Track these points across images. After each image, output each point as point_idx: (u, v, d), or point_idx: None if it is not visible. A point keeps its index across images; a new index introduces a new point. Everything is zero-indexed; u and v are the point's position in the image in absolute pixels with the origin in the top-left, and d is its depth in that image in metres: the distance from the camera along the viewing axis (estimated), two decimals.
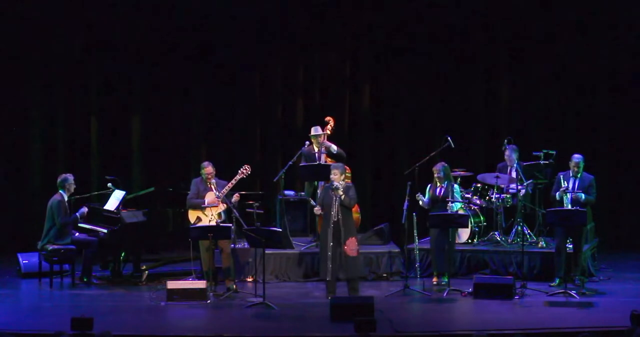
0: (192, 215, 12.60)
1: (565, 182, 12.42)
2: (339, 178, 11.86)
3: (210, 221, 12.43)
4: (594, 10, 15.81)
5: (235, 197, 12.54)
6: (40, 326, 10.42)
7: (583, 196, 12.32)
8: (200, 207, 12.52)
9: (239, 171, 12.57)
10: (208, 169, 12.55)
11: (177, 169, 15.94)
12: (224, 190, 12.48)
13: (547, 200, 13.19)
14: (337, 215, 11.79)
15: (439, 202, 12.69)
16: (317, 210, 11.97)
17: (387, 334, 10.17)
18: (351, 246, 11.82)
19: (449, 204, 12.60)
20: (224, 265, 12.43)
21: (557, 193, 12.38)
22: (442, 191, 12.73)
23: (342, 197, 11.76)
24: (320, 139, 13.65)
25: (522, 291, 12.10)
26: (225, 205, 12.48)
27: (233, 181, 12.49)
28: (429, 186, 12.88)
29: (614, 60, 15.90)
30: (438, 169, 12.77)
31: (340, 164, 12.11)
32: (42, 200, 13.39)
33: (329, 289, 11.96)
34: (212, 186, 12.50)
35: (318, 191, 13.59)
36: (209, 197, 12.51)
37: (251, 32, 15.91)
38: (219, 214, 12.52)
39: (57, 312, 11.42)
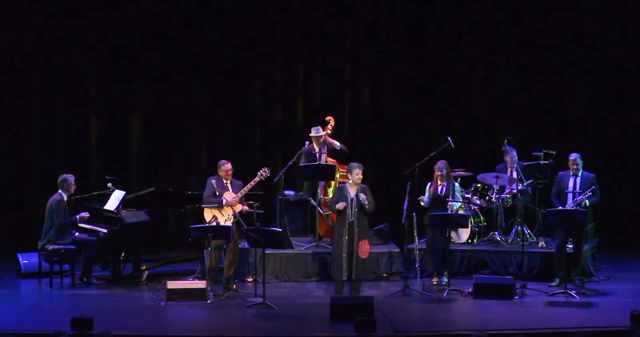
0: (208, 213, 12.49)
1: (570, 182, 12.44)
2: (361, 178, 11.86)
3: (226, 220, 12.33)
4: (593, 11, 15.83)
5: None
6: (40, 326, 10.42)
7: (587, 201, 12.32)
8: (219, 206, 12.42)
9: (258, 173, 12.47)
10: (227, 166, 12.43)
11: (177, 169, 15.95)
12: (243, 191, 12.39)
13: (547, 200, 13.18)
14: (353, 216, 11.81)
15: (441, 201, 12.69)
16: (341, 205, 11.85)
17: (387, 334, 10.17)
18: (364, 248, 11.85)
19: (450, 203, 12.61)
20: (225, 274, 12.38)
21: (572, 204, 12.36)
22: (444, 190, 12.72)
23: (367, 207, 11.78)
24: (321, 140, 13.67)
25: (522, 291, 12.09)
26: (242, 205, 12.41)
27: (252, 183, 12.38)
28: (429, 184, 12.87)
29: (614, 60, 15.92)
30: (440, 167, 12.76)
31: (358, 164, 12.06)
32: (42, 200, 13.37)
33: (337, 289, 11.97)
34: (229, 185, 12.45)
35: (318, 191, 13.63)
36: (228, 196, 12.44)
37: (251, 32, 15.91)
38: (235, 214, 12.43)
39: (57, 312, 11.43)
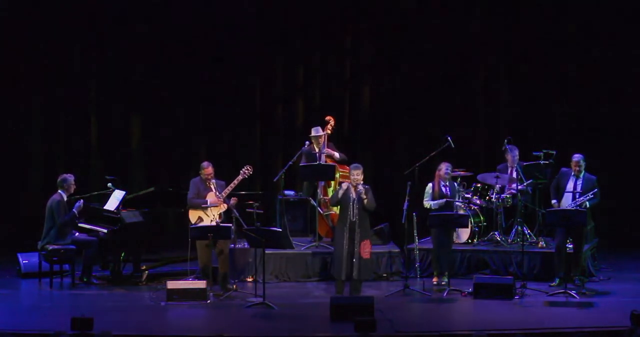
0: (193, 215, 12.57)
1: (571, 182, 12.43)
2: (361, 178, 11.90)
3: (211, 220, 12.42)
4: (593, 11, 15.84)
5: (233, 200, 12.54)
6: (40, 326, 10.41)
7: (588, 203, 12.32)
8: (203, 207, 12.52)
9: (241, 171, 12.56)
10: (208, 169, 12.54)
11: (177, 169, 15.95)
12: (226, 190, 12.47)
13: (547, 200, 13.18)
14: (355, 216, 11.82)
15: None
16: (344, 184, 11.89)
17: (387, 334, 10.17)
18: (366, 248, 11.87)
19: (455, 203, 12.61)
20: (220, 270, 12.40)
21: (573, 205, 12.36)
22: (449, 190, 12.73)
23: (366, 202, 11.80)
24: (321, 140, 13.67)
25: (522, 291, 12.10)
26: (226, 205, 12.48)
27: (235, 181, 12.47)
28: (429, 184, 12.85)
29: (613, 60, 15.93)
30: (447, 166, 12.73)
31: (356, 165, 12.09)
32: (42, 200, 13.37)
33: (337, 289, 11.99)
34: (212, 186, 12.50)
35: (318, 191, 13.62)
36: (211, 197, 12.50)
37: (251, 32, 15.92)
38: (220, 214, 12.52)
39: (57, 312, 11.41)
